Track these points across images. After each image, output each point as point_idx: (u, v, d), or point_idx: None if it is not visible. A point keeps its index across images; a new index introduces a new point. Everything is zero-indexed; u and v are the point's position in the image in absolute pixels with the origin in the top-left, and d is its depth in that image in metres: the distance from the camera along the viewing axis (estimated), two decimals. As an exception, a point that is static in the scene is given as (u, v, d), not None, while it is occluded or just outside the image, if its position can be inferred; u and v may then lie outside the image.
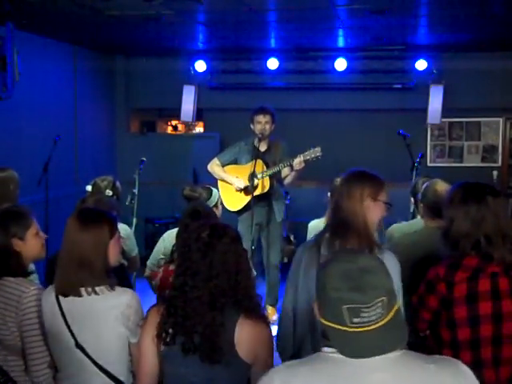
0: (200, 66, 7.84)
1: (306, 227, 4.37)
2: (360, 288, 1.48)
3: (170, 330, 2.15)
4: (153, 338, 2.17)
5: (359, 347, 1.48)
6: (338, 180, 4.08)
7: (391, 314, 1.51)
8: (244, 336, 2.14)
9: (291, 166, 5.41)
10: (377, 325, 1.48)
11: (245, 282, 2.20)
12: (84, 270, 2.50)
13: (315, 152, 5.30)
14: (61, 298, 2.53)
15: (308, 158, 5.30)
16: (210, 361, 2.11)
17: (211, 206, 3.98)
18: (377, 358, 1.49)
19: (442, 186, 3.34)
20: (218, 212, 4.08)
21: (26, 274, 2.75)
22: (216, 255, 2.17)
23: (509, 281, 2.45)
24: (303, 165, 5.29)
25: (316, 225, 4.23)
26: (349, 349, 1.49)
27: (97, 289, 2.50)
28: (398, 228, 3.58)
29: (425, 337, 2.67)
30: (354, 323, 1.47)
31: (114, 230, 2.64)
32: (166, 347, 2.17)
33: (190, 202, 3.98)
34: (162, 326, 2.16)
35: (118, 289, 2.55)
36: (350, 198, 2.48)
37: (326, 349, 1.56)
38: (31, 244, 2.81)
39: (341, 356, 1.51)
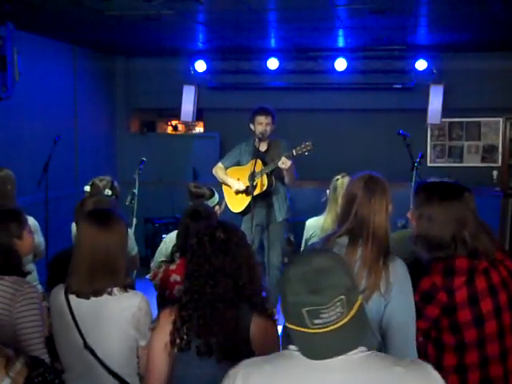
0: (200, 65, 7.84)
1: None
2: (317, 290, 1.47)
3: (185, 337, 2.15)
4: (166, 344, 2.16)
5: (320, 348, 1.48)
6: (339, 178, 4.10)
7: (352, 311, 1.50)
8: (258, 333, 2.16)
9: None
10: (337, 324, 1.47)
11: (258, 275, 2.25)
12: (109, 272, 2.49)
13: (306, 146, 5.29)
14: (70, 297, 2.52)
15: (300, 152, 5.30)
16: (227, 360, 2.11)
17: (212, 204, 4.00)
18: (339, 358, 1.48)
19: None
20: (220, 211, 4.10)
21: (24, 273, 2.71)
22: (234, 250, 2.20)
23: (498, 273, 2.46)
24: (289, 164, 5.26)
25: (314, 223, 4.23)
26: (310, 350, 1.49)
27: (114, 289, 2.50)
28: None
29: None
30: (315, 324, 1.47)
31: (127, 230, 2.67)
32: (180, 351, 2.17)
33: (195, 199, 3.99)
34: (175, 332, 2.16)
35: (130, 291, 2.55)
36: (380, 210, 2.43)
37: (291, 346, 1.57)
38: (27, 242, 2.81)
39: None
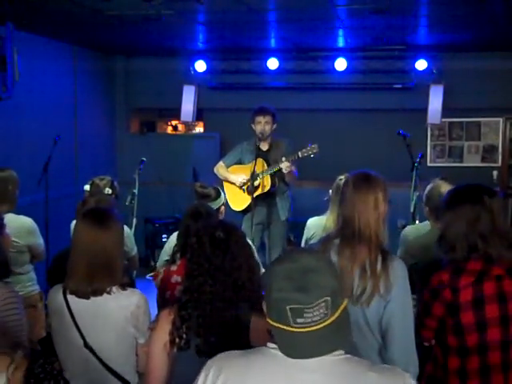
0: (200, 66, 7.84)
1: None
2: (303, 288, 1.46)
3: (184, 336, 2.14)
4: (165, 344, 2.16)
5: (300, 347, 1.47)
6: (342, 178, 4.09)
7: (336, 314, 1.49)
8: (258, 332, 2.15)
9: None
10: (320, 325, 1.46)
11: (258, 274, 2.25)
12: (108, 271, 2.49)
13: (312, 149, 5.34)
14: (69, 297, 2.52)
15: (305, 154, 5.35)
16: None
17: (218, 205, 4.00)
18: (315, 359, 1.47)
19: (446, 188, 3.33)
20: (222, 213, 4.10)
21: (10, 271, 2.60)
22: (234, 249, 2.20)
23: None
24: (290, 169, 5.31)
25: (315, 222, 4.23)
26: (289, 348, 1.48)
27: (113, 288, 2.50)
28: (411, 231, 3.60)
29: (430, 347, 2.61)
30: (297, 323, 1.46)
31: (124, 228, 2.67)
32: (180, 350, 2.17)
33: (201, 199, 3.99)
34: (174, 332, 2.15)
35: (128, 289, 2.56)
36: (365, 208, 2.36)
37: (269, 344, 1.56)
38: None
39: (280, 353, 1.50)
